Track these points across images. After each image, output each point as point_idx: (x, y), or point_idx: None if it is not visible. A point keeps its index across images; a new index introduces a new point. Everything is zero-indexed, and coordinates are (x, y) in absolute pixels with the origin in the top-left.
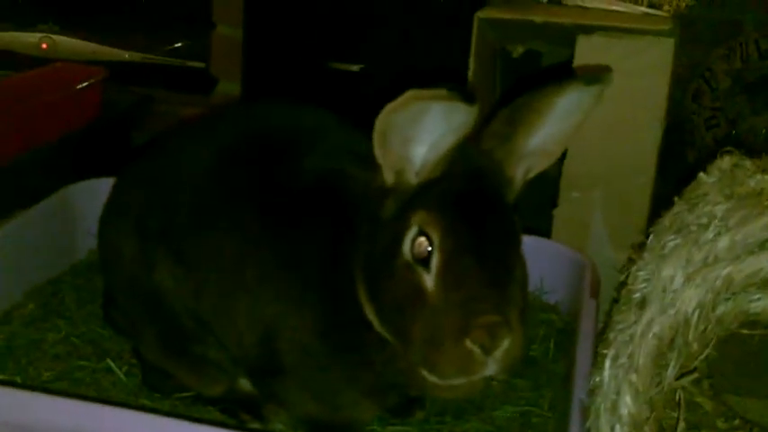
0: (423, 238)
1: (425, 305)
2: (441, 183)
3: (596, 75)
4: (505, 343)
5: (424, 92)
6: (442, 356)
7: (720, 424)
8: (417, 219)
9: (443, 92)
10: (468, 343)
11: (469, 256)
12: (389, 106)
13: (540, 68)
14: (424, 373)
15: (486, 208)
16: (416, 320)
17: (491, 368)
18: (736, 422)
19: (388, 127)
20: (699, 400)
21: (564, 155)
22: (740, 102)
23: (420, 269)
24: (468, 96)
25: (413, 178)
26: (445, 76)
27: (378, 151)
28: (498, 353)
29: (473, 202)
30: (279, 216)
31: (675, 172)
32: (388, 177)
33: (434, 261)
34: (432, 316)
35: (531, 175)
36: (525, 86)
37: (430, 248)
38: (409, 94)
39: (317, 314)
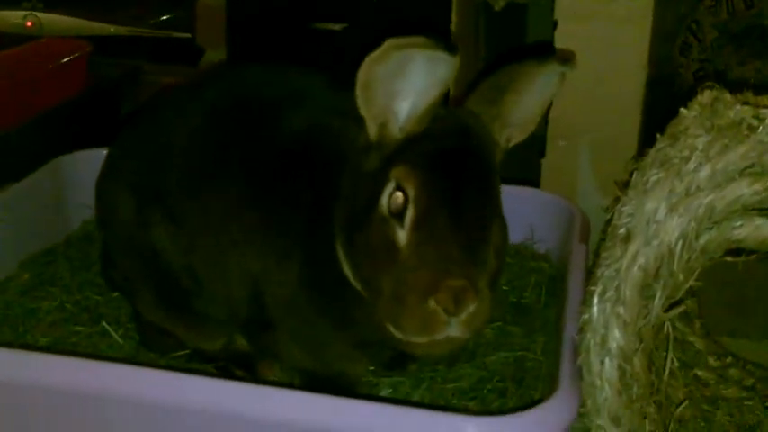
0: (399, 193)
1: (396, 260)
2: (424, 138)
3: (567, 57)
4: (470, 308)
5: (404, 40)
6: (405, 313)
7: (713, 362)
8: (396, 173)
9: (423, 40)
10: (432, 303)
11: (443, 213)
12: (370, 57)
13: (524, 23)
14: (390, 328)
15: (468, 167)
16: (386, 275)
17: (454, 330)
18: (729, 360)
19: (370, 78)
20: (691, 339)
21: (549, 104)
22: (727, 53)
23: (395, 223)
24: (448, 46)
25: (396, 132)
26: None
27: (361, 104)
28: (463, 316)
29: (454, 159)
30: (263, 173)
31: (665, 126)
32: (372, 131)
33: (408, 216)
34: (401, 271)
35: (510, 145)
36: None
37: (406, 203)
38: (389, 43)
39: (301, 269)
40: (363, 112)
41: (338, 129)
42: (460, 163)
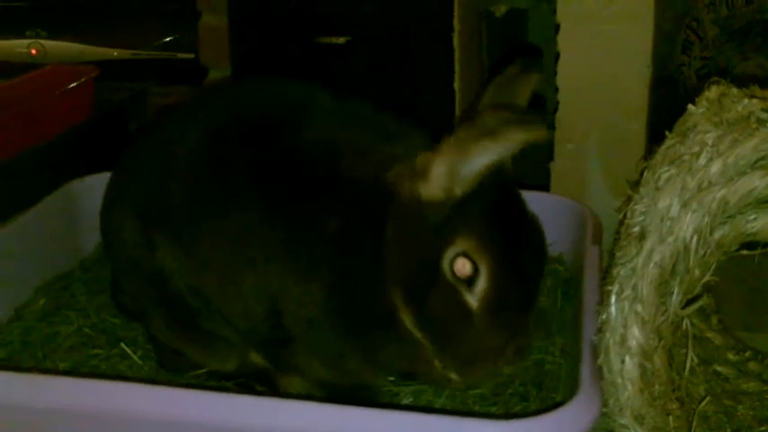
0: (467, 261)
1: (470, 323)
2: (478, 196)
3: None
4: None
5: (525, 128)
6: (477, 369)
7: (731, 356)
8: (464, 243)
9: (543, 130)
10: (502, 361)
11: (513, 282)
12: (488, 140)
13: (525, 28)
14: (452, 374)
15: (521, 222)
16: (460, 335)
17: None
18: (747, 354)
19: (477, 155)
20: (708, 335)
21: (556, 107)
22: (729, 49)
23: (463, 288)
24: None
25: (458, 192)
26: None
27: (440, 171)
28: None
29: (510, 218)
30: (280, 192)
31: (670, 125)
32: (435, 192)
33: (480, 285)
34: (475, 334)
35: None
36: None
37: (473, 270)
38: (510, 130)
39: (329, 296)
40: (437, 179)
41: (358, 148)
42: (515, 221)
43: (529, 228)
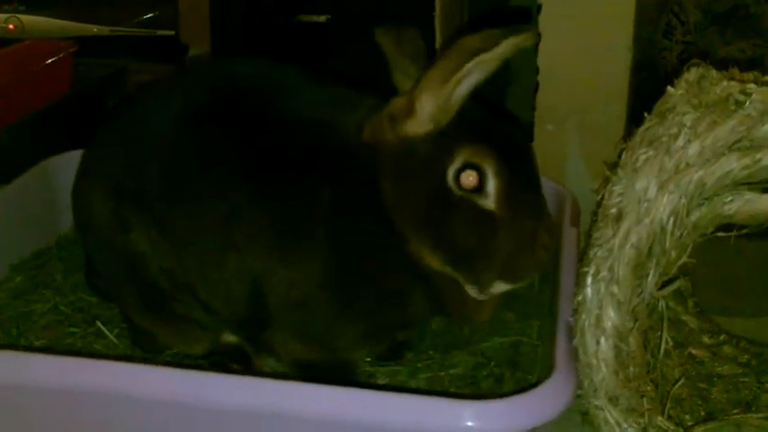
0: (470, 171)
1: (496, 224)
2: (463, 116)
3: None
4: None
5: (520, 37)
6: (519, 265)
7: (706, 340)
8: (461, 155)
9: (531, 35)
10: (539, 247)
11: (519, 171)
12: (479, 55)
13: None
14: (497, 285)
15: (512, 130)
16: (491, 242)
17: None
18: (722, 337)
19: (468, 74)
20: (684, 318)
21: (536, 88)
22: (711, 34)
23: (476, 197)
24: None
25: (448, 115)
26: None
27: (427, 103)
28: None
29: (502, 128)
30: (268, 174)
31: (650, 108)
32: (424, 126)
33: (492, 187)
34: (505, 231)
35: None
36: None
37: (479, 177)
38: (508, 42)
39: (325, 270)
40: (426, 107)
41: (336, 121)
42: (506, 129)
43: (516, 132)
